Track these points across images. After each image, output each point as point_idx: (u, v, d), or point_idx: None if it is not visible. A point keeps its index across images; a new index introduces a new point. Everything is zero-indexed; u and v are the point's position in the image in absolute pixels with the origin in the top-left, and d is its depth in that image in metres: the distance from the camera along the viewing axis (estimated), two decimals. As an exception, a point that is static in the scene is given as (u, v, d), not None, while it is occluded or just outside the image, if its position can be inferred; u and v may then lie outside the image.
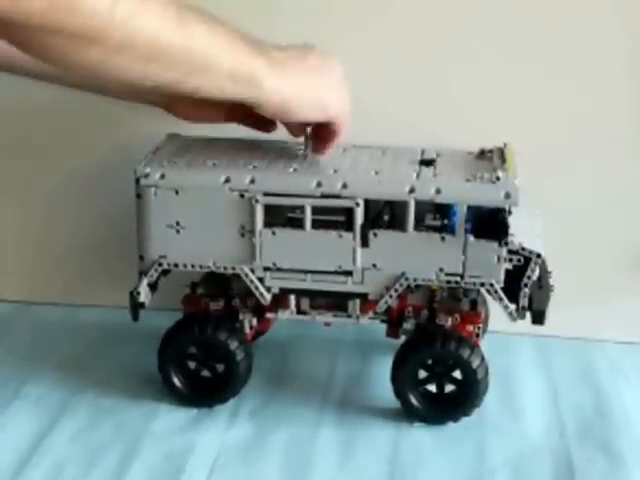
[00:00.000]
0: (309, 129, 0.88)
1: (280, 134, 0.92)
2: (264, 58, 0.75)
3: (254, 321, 0.91)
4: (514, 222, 0.82)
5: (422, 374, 0.88)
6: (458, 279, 0.84)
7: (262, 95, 0.76)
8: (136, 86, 0.72)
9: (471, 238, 0.82)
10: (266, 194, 0.83)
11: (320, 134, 0.86)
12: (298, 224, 0.84)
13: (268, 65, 0.75)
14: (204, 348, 0.90)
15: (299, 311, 0.89)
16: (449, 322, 0.88)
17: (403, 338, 0.89)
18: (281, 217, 0.85)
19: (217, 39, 0.72)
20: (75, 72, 0.70)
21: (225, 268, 0.86)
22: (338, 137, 0.84)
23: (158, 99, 0.90)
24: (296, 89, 0.78)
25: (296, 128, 0.89)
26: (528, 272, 0.83)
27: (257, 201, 0.83)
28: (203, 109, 0.89)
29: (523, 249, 0.83)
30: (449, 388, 0.88)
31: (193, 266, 0.86)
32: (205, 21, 0.71)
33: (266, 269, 0.86)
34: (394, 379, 0.87)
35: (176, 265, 0.87)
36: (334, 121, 0.83)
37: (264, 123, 0.91)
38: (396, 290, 0.85)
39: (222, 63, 0.72)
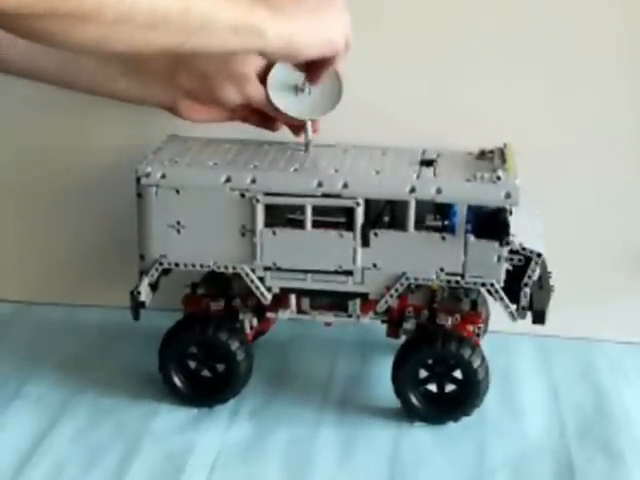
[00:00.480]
0: (308, 124, 0.88)
1: (281, 134, 0.92)
2: (263, 7, 0.74)
3: (254, 321, 0.91)
4: (514, 222, 0.82)
5: (423, 374, 0.88)
6: (459, 279, 0.84)
7: (267, 43, 0.74)
8: (138, 56, 0.71)
9: (472, 238, 0.82)
10: (267, 194, 0.83)
11: (316, 64, 0.83)
12: (298, 225, 0.84)
13: (268, 13, 0.74)
14: (205, 348, 0.90)
15: (299, 311, 0.89)
16: (449, 322, 0.88)
17: (403, 338, 0.89)
18: (281, 217, 0.85)
19: None
20: (72, 50, 0.68)
21: (226, 268, 0.86)
22: (334, 65, 0.82)
23: (162, 100, 0.90)
24: (300, 31, 0.76)
25: (296, 126, 0.88)
26: (529, 272, 0.83)
27: (258, 201, 0.83)
28: (206, 108, 0.89)
29: (524, 249, 0.83)
30: (449, 388, 0.88)
31: (194, 265, 0.86)
32: None
33: (266, 269, 0.86)
34: (395, 379, 0.87)
35: (177, 264, 0.87)
36: (338, 53, 0.81)
37: (267, 120, 0.90)
38: (397, 290, 0.85)
39: (223, 20, 0.71)
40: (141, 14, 0.64)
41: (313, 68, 0.83)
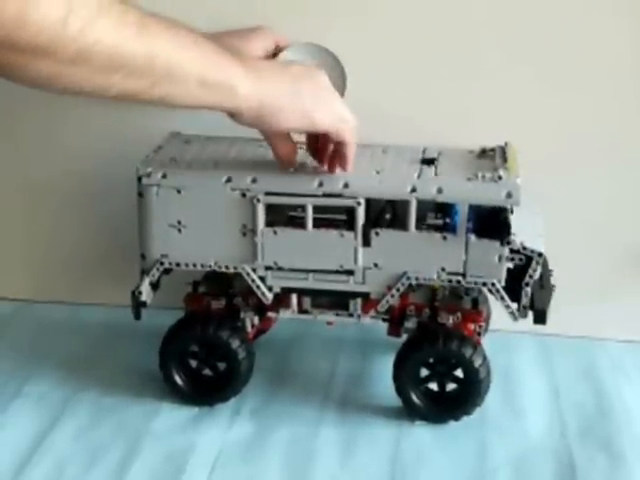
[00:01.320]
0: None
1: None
2: (239, 65, 0.73)
3: (256, 320, 0.91)
4: (515, 221, 0.81)
5: (424, 372, 0.88)
6: (460, 278, 0.84)
7: (240, 102, 0.74)
8: (103, 96, 0.68)
9: (473, 237, 0.82)
10: (267, 193, 0.83)
11: (332, 151, 0.83)
12: (299, 223, 0.84)
13: (243, 71, 0.73)
14: (206, 346, 0.90)
15: (301, 310, 0.89)
16: (451, 321, 0.88)
17: (405, 336, 0.89)
18: (282, 216, 0.85)
19: (184, 46, 0.70)
20: (28, 85, 0.65)
21: (227, 267, 0.86)
22: (349, 150, 0.81)
23: None
24: (275, 94, 0.76)
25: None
26: (530, 271, 0.83)
27: (258, 200, 0.83)
28: None
29: (525, 248, 0.83)
30: (451, 387, 0.88)
31: (195, 265, 0.86)
32: (169, 28, 0.69)
33: (268, 268, 0.86)
34: (396, 377, 0.87)
35: (178, 264, 0.87)
36: (328, 132, 0.80)
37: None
38: (398, 289, 0.85)
39: (191, 70, 0.70)
40: (103, 52, 0.63)
41: (334, 159, 0.83)
